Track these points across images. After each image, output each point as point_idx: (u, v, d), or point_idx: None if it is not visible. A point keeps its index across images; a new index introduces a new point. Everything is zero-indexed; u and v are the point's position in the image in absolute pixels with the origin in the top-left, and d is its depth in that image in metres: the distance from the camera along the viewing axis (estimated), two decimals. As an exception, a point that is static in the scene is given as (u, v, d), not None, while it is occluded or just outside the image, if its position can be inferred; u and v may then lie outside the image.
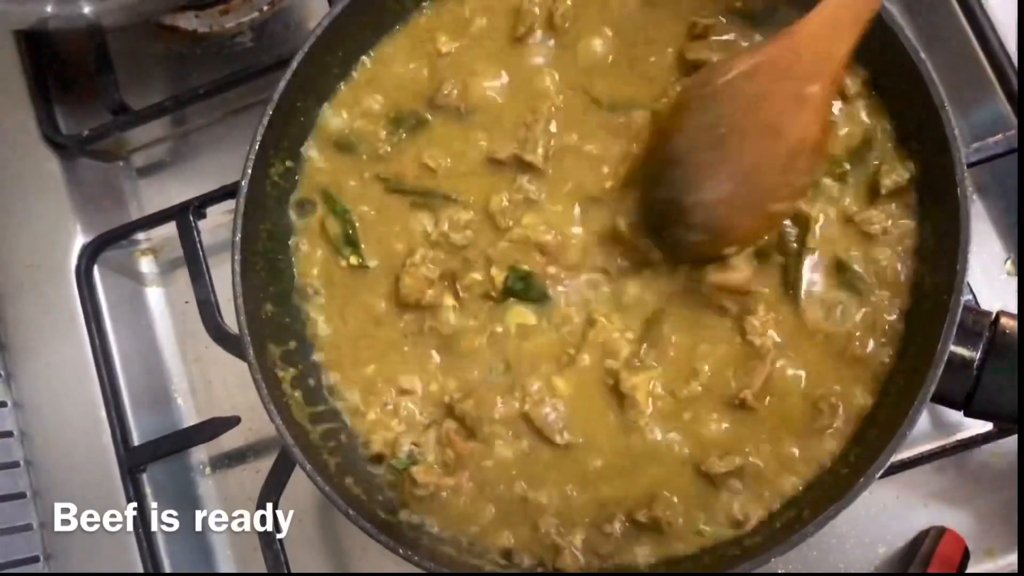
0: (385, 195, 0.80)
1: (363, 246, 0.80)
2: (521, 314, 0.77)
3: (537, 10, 0.79)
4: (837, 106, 0.73)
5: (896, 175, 0.72)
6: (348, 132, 0.82)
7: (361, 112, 0.82)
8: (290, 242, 0.81)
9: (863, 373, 0.71)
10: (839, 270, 0.72)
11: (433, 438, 0.76)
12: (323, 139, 0.82)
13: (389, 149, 0.81)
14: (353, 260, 0.80)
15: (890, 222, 0.72)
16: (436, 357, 0.78)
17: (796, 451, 0.71)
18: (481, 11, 0.81)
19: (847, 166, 0.73)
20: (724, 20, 0.76)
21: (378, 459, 0.77)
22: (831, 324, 0.72)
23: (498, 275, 0.76)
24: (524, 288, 0.76)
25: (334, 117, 0.82)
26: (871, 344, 0.71)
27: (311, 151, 0.82)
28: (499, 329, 0.77)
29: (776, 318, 0.72)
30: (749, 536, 0.70)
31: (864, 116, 0.74)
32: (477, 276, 0.77)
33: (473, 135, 0.79)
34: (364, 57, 0.82)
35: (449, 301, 0.77)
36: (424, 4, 0.82)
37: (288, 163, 0.81)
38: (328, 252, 0.81)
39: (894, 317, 0.71)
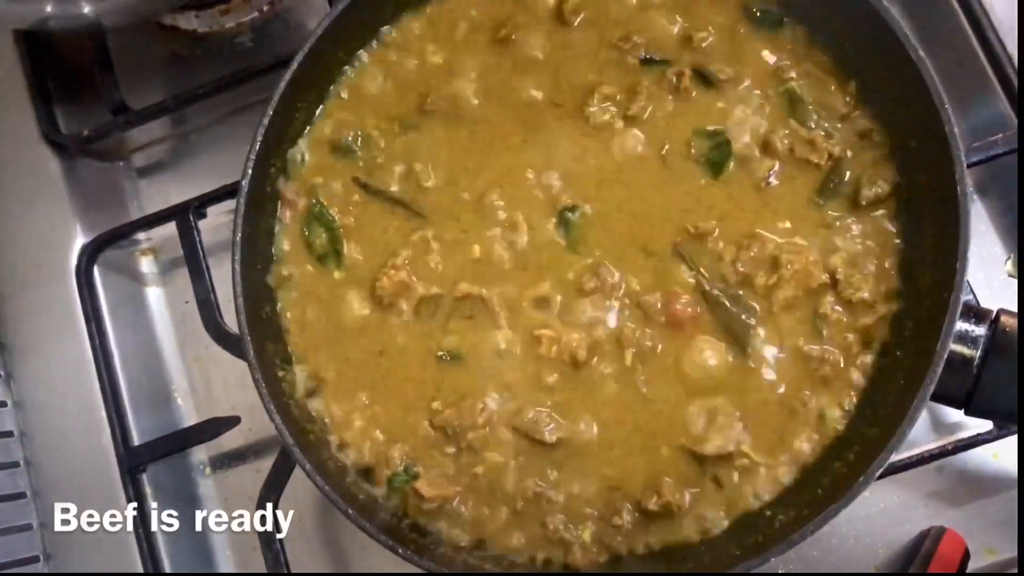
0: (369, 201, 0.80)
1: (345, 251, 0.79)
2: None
3: None
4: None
5: (877, 187, 0.73)
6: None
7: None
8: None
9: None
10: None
11: (427, 443, 0.75)
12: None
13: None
14: (337, 275, 0.79)
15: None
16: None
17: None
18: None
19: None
20: None
21: (368, 473, 0.75)
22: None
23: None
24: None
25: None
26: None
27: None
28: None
29: None
30: (750, 534, 0.70)
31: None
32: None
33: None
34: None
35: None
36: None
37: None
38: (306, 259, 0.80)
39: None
